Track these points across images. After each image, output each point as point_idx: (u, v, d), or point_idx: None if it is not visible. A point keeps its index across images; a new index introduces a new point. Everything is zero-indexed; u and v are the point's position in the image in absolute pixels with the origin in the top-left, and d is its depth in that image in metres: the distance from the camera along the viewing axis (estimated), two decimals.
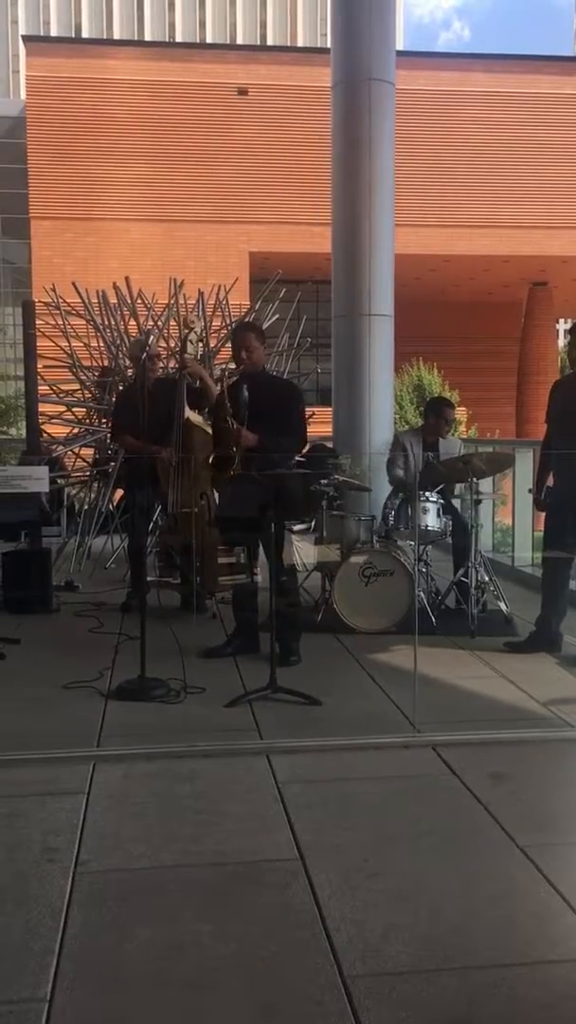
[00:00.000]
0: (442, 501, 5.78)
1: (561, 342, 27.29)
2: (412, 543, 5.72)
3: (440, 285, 27.31)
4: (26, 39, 29.07)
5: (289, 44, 61.27)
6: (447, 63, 26.90)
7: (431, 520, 5.67)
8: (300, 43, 63.70)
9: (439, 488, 5.80)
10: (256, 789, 3.24)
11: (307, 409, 5.22)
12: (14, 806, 3.09)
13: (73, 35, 59.66)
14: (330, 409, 7.87)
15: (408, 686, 4.16)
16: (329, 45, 8.21)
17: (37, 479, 4.10)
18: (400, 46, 8.96)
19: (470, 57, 27.84)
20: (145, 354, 5.74)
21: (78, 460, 8.57)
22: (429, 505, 5.66)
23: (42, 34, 55.53)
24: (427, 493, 5.68)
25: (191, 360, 5.77)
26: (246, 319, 8.35)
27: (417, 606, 5.30)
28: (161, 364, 6.21)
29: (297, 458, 5.93)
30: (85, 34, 62.46)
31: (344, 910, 2.44)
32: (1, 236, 32.53)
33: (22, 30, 57.65)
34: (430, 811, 3.08)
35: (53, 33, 60.53)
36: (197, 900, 2.50)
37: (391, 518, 5.98)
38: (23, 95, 28.60)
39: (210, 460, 5.23)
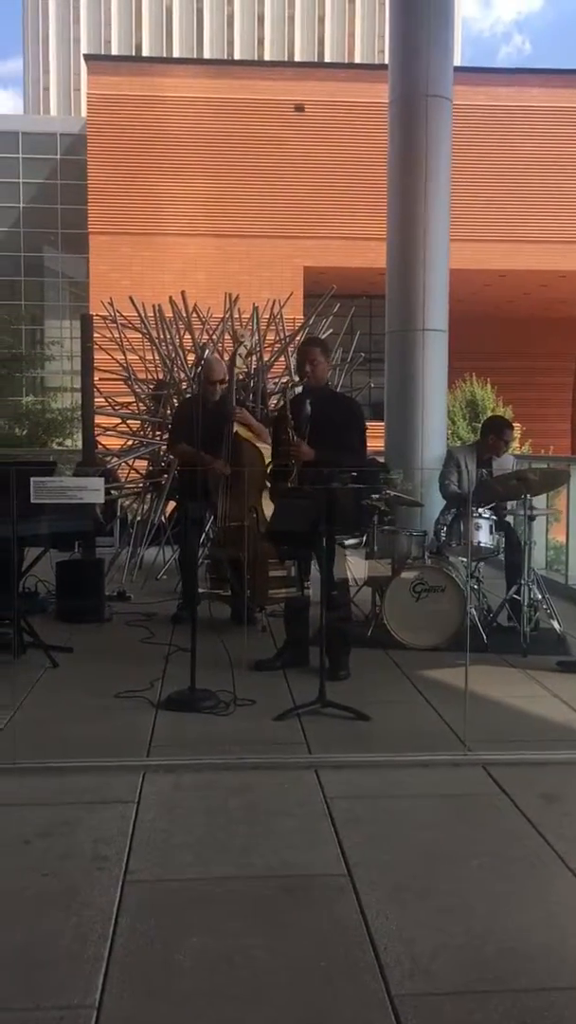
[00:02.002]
0: (495, 518, 5.73)
1: None
2: (464, 559, 5.68)
3: (495, 300, 27.17)
4: (87, 58, 29.66)
5: (346, 60, 61.58)
6: (504, 78, 26.88)
7: (484, 537, 5.62)
8: (357, 59, 63.96)
9: (492, 504, 5.76)
10: (305, 803, 3.24)
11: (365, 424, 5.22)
12: (65, 813, 3.12)
13: (133, 53, 60.61)
14: (382, 424, 7.87)
15: (458, 703, 4.13)
16: (386, 61, 8.24)
17: (93, 490, 4.15)
18: (458, 61, 8.96)
19: (527, 72, 27.74)
20: (222, 382, 5.77)
21: (132, 472, 8.67)
22: (482, 521, 5.62)
23: (103, 53, 56.48)
24: (480, 509, 5.64)
25: (241, 412, 5.82)
26: (302, 333, 8.39)
27: (468, 623, 5.25)
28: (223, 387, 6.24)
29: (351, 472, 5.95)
30: (145, 52, 63.44)
31: (392, 928, 2.42)
32: (60, 251, 33.09)
33: (84, 49, 58.74)
34: (480, 830, 3.05)
35: (114, 52, 61.54)
36: (246, 913, 2.50)
37: (443, 534, 5.95)
38: (84, 113, 29.12)
39: (267, 471, 5.26)
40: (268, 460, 5.39)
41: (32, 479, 3.88)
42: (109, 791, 3.31)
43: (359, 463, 5.07)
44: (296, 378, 5.16)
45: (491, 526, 5.67)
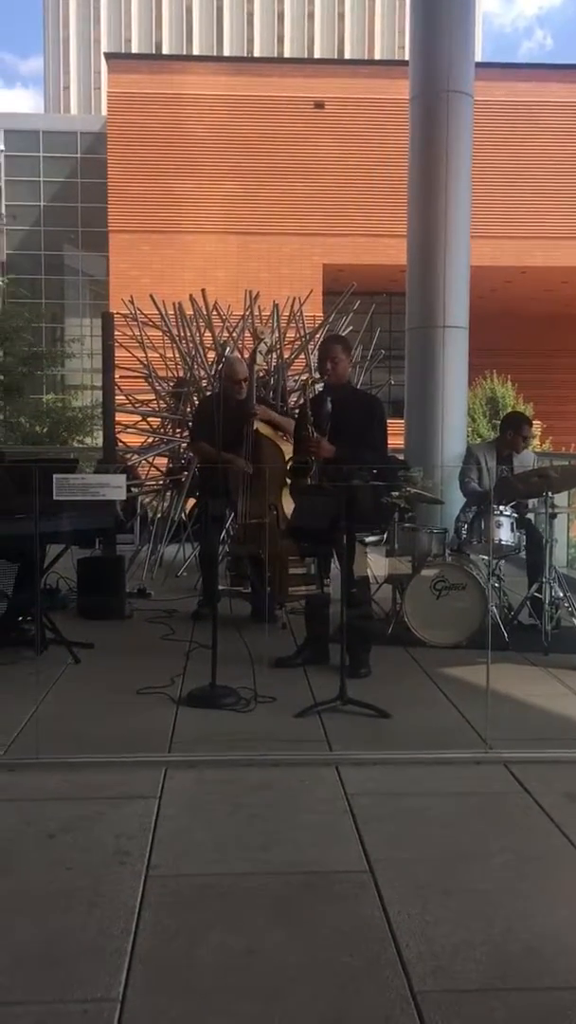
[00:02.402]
0: (516, 515, 5.71)
1: None
2: (485, 557, 5.66)
3: (515, 297, 27.05)
4: (108, 56, 29.74)
5: (366, 57, 61.45)
6: (525, 73, 26.72)
7: (505, 534, 5.60)
8: (377, 56, 63.83)
9: (513, 502, 5.73)
10: (326, 800, 3.24)
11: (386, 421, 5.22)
12: (88, 808, 3.14)
13: (153, 52, 60.70)
14: (402, 421, 7.85)
15: (478, 701, 4.11)
16: (407, 57, 8.22)
17: (115, 487, 4.17)
18: (479, 57, 8.94)
19: (548, 67, 27.58)
20: (245, 380, 5.78)
21: (152, 469, 8.69)
22: (503, 519, 5.60)
23: (123, 51, 56.62)
24: (501, 507, 5.62)
25: (263, 408, 5.82)
26: (322, 331, 8.39)
27: (490, 621, 5.23)
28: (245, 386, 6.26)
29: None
30: (165, 51, 63.57)
31: (414, 925, 2.42)
32: (80, 249, 33.23)
33: (104, 48, 58.89)
34: (502, 829, 3.04)
35: (134, 50, 61.67)
36: (268, 908, 2.51)
37: (464, 531, 5.93)
38: (104, 112, 29.20)
39: (288, 466, 5.26)
40: (289, 457, 5.39)
41: (55, 476, 3.90)
42: (131, 787, 3.32)
43: (380, 461, 5.06)
44: (316, 375, 5.15)
45: (512, 523, 5.64)
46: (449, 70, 7.42)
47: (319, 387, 5.29)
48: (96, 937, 2.35)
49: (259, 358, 5.88)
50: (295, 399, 7.84)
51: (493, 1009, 2.09)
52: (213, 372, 8.02)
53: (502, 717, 4.05)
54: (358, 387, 8.11)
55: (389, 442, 5.18)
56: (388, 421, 5.09)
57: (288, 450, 5.48)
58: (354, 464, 4.64)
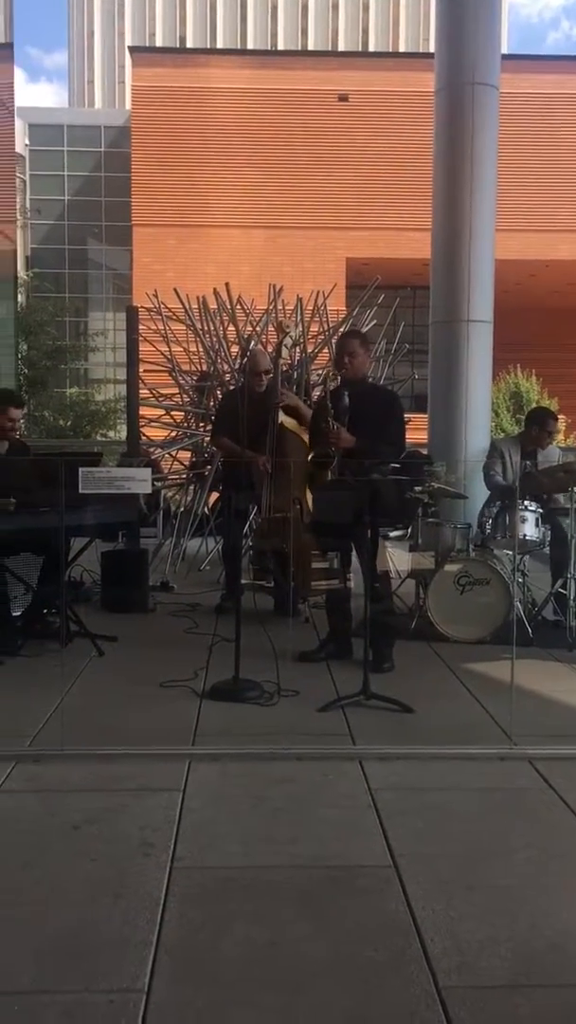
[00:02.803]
0: (541, 510, 5.67)
1: None
2: (509, 552, 5.64)
3: (540, 291, 26.86)
4: (132, 50, 29.77)
5: (391, 49, 61.15)
6: (550, 65, 26.50)
7: (529, 530, 5.57)
8: (402, 48, 63.52)
9: (538, 497, 5.70)
10: (349, 795, 3.24)
11: (404, 416, 5.20)
12: (112, 800, 3.16)
13: (177, 46, 60.70)
14: (426, 415, 7.82)
15: (502, 697, 4.10)
16: (431, 49, 8.17)
17: (140, 480, 4.18)
18: (505, 48, 8.87)
19: (574, 59, 27.33)
20: (267, 372, 5.77)
21: (175, 463, 8.71)
22: (527, 514, 5.57)
23: (147, 45, 56.65)
24: (526, 502, 5.59)
25: (288, 393, 5.81)
26: (346, 324, 8.37)
27: (515, 617, 5.21)
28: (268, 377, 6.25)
29: (392, 464, 5.91)
30: (189, 44, 63.53)
31: (439, 920, 2.42)
32: (104, 243, 33.31)
33: (128, 42, 58.95)
34: (527, 825, 3.03)
35: (158, 44, 61.69)
36: (292, 901, 2.51)
37: (488, 526, 5.90)
38: (128, 105, 29.23)
39: (309, 458, 5.24)
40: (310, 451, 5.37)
41: (81, 469, 3.91)
42: (155, 779, 3.34)
43: (397, 455, 5.06)
44: (334, 371, 5.14)
45: (537, 519, 5.61)
46: (475, 62, 7.37)
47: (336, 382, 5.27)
48: (122, 928, 2.37)
49: (284, 351, 5.86)
50: (317, 393, 7.83)
51: (518, 1006, 2.09)
52: (237, 366, 8.03)
53: (526, 713, 4.03)
54: (380, 382, 8.10)
55: (412, 437, 5.17)
56: (411, 416, 5.08)
57: None
58: (372, 457, 4.64)
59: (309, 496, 5.55)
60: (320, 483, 5.00)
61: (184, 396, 8.53)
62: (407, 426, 5.09)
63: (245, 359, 5.86)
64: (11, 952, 2.26)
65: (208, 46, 61.79)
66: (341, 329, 8.11)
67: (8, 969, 2.19)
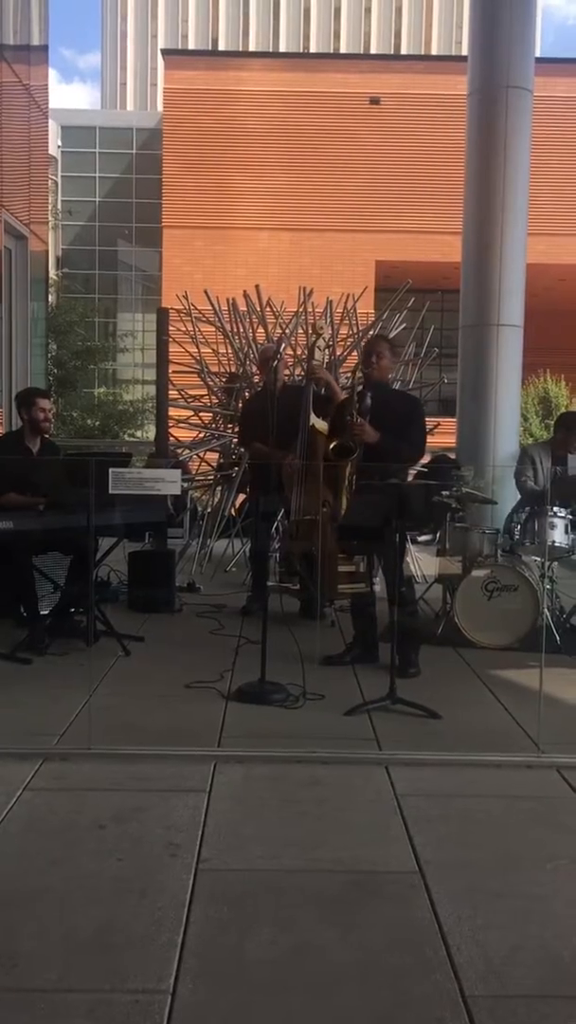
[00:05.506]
0: (571, 516, 5.63)
1: None
2: (538, 558, 5.59)
3: (570, 295, 26.66)
4: (164, 52, 29.90)
5: (424, 52, 61.01)
6: None
7: (559, 536, 5.52)
8: (435, 51, 63.32)
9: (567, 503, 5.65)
10: (375, 800, 3.23)
11: (430, 420, 5.20)
12: (138, 800, 3.17)
13: (210, 48, 60.86)
14: (454, 420, 7.79)
15: (530, 704, 4.07)
16: (464, 53, 8.14)
17: (170, 482, 4.19)
18: (538, 51, 8.82)
19: None
20: (277, 360, 5.79)
21: (202, 464, 8.73)
22: (557, 520, 5.52)
23: (180, 48, 56.87)
24: (555, 508, 5.55)
25: (318, 366, 5.80)
26: (375, 328, 8.35)
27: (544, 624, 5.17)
28: (287, 372, 6.27)
29: (419, 468, 5.90)
30: (222, 47, 63.65)
31: (465, 928, 2.40)
32: (134, 244, 33.45)
33: (161, 44, 59.18)
34: (554, 834, 3.01)
35: (191, 47, 61.88)
36: (317, 906, 2.51)
37: (516, 532, 5.86)
38: (160, 108, 29.33)
39: (331, 447, 5.22)
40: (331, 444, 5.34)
41: (111, 470, 3.93)
42: (181, 779, 3.34)
43: (417, 457, 5.09)
44: (361, 369, 5.16)
45: (567, 525, 5.57)
46: (508, 65, 7.34)
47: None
48: (147, 928, 2.37)
49: (316, 353, 5.86)
50: (346, 395, 7.81)
51: (546, 1016, 2.07)
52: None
53: (554, 721, 3.99)
54: (410, 385, 8.08)
55: (441, 441, 5.18)
56: (440, 420, 5.09)
57: None
58: (393, 454, 4.67)
59: (339, 498, 5.54)
60: (343, 480, 5.01)
61: (212, 398, 8.55)
62: (436, 431, 5.10)
63: (276, 360, 5.86)
64: (37, 949, 2.27)
65: (240, 48, 61.92)
66: (371, 332, 8.10)
67: (34, 966, 2.20)
